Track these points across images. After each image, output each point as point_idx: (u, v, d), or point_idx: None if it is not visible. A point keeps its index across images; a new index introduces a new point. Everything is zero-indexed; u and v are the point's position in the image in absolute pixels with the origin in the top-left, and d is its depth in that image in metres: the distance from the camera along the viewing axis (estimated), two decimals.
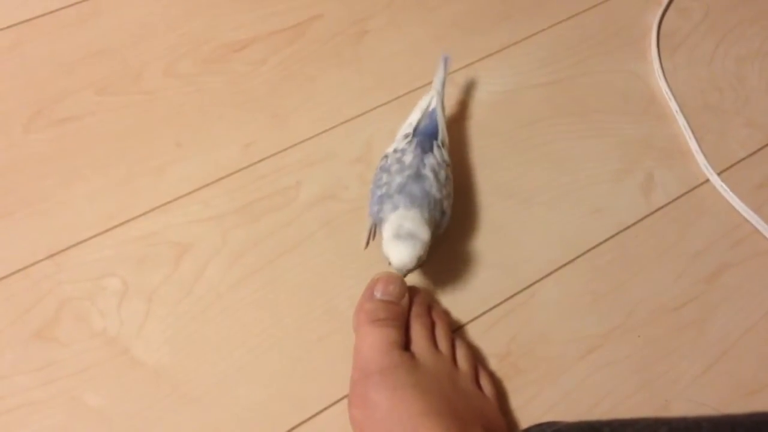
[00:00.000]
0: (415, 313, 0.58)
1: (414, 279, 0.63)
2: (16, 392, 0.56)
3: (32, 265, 0.61)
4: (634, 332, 0.63)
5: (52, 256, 0.62)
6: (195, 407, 0.57)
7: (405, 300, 0.58)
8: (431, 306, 0.61)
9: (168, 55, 0.73)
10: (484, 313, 0.63)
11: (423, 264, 0.58)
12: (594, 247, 0.67)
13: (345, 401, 0.56)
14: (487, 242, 0.66)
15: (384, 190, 0.59)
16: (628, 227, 0.68)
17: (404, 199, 0.57)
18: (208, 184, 0.66)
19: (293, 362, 0.60)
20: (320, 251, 0.65)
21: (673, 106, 0.76)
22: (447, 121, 0.67)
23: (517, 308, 0.63)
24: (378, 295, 0.57)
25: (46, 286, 0.60)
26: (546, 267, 0.66)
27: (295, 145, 0.69)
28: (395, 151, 0.62)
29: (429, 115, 0.64)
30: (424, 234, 0.56)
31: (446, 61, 0.68)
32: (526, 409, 0.59)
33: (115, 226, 0.63)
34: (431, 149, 0.61)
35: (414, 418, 0.51)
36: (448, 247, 0.66)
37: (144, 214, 0.64)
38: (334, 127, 0.71)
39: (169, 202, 0.65)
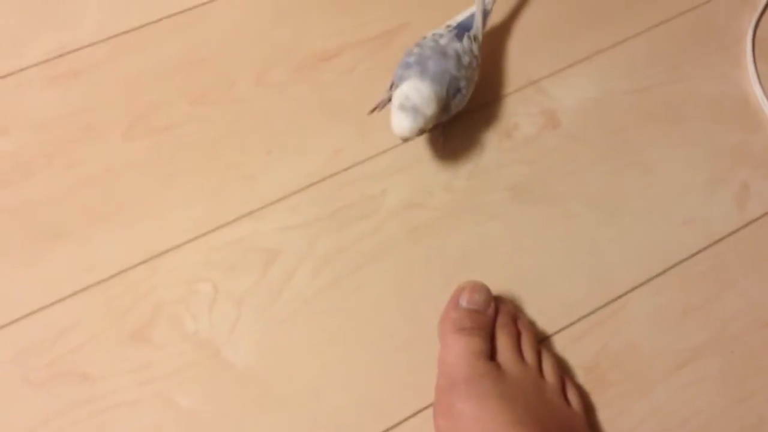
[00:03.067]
0: (500, 322, 0.58)
1: (500, 288, 0.63)
2: (112, 392, 0.58)
3: (129, 269, 0.63)
4: (728, 347, 0.61)
5: (148, 260, 0.64)
6: (282, 410, 0.58)
7: (491, 309, 0.58)
8: (517, 316, 0.61)
9: (259, 64, 0.74)
10: (571, 324, 0.62)
11: (424, 133, 0.63)
12: (686, 259, 0.65)
13: (429, 410, 0.57)
14: (574, 252, 0.66)
15: (412, 59, 0.64)
16: (722, 239, 0.67)
17: (421, 70, 0.63)
18: (296, 192, 0.68)
19: (378, 369, 0.60)
20: (405, 258, 0.65)
21: None
22: (539, 129, 0.70)
23: (605, 320, 0.62)
24: (464, 303, 0.57)
25: (142, 289, 0.63)
26: (636, 278, 0.64)
27: (382, 153, 0.70)
28: (434, 34, 0.68)
29: (471, 17, 0.70)
30: (428, 109, 0.61)
31: None
32: (614, 424, 0.58)
33: (208, 232, 0.65)
34: (462, 39, 0.67)
35: (500, 429, 0.51)
36: (535, 255, 0.65)
37: (235, 220, 0.66)
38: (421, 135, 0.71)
39: (259, 209, 0.66)
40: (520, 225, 0.67)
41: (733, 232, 0.67)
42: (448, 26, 0.69)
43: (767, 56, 0.78)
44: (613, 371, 0.60)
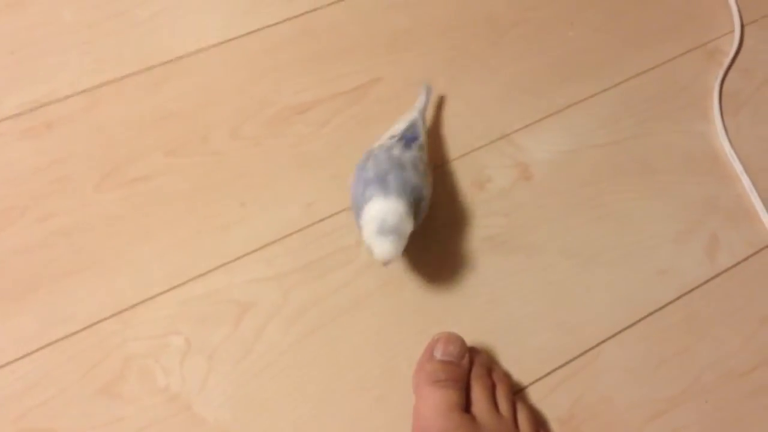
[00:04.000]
0: (475, 374, 0.58)
1: (474, 340, 0.62)
2: None
3: (99, 322, 0.62)
4: (702, 397, 0.61)
5: (118, 313, 0.63)
6: None
7: (465, 361, 0.58)
8: (492, 367, 0.60)
9: (234, 118, 0.75)
10: (546, 375, 0.62)
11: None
12: (659, 309, 0.66)
13: None
14: (548, 302, 0.66)
15: (370, 174, 0.62)
16: (694, 289, 0.67)
17: (384, 186, 0.60)
18: (270, 243, 0.67)
19: (353, 422, 0.60)
20: (380, 310, 0.65)
21: (737, 166, 0.75)
22: (512, 182, 0.70)
23: (580, 371, 0.62)
24: (438, 355, 0.57)
25: (112, 343, 0.62)
26: (610, 329, 0.65)
27: None
28: (380, 146, 0.65)
29: (412, 127, 0.68)
30: (407, 227, 0.59)
31: (428, 90, 0.74)
32: None
33: (180, 284, 0.65)
34: (411, 148, 0.65)
35: None
36: (508, 307, 0.65)
37: (208, 272, 0.65)
38: None
39: (232, 261, 0.66)
40: (495, 276, 0.67)
41: (705, 283, 0.67)
42: (393, 137, 0.66)
43: (734, 111, 0.79)
44: (588, 423, 0.60)
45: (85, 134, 0.73)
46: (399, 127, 0.68)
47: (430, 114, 0.76)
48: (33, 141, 0.72)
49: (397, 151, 0.63)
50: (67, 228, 0.67)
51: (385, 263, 0.59)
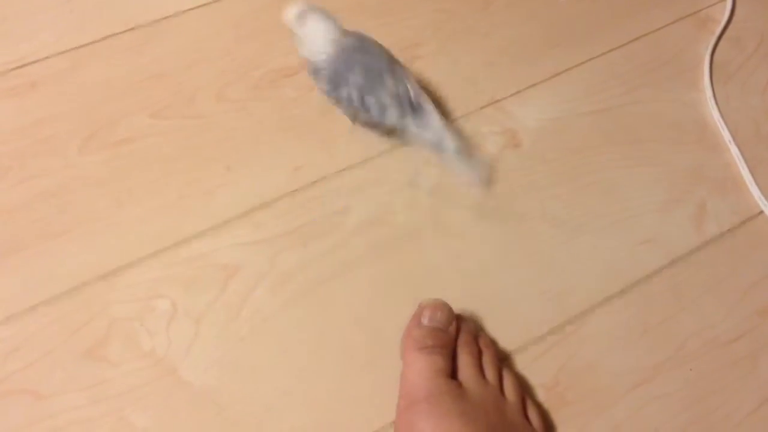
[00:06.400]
0: (462, 341, 0.58)
1: (461, 307, 0.62)
2: (65, 410, 0.57)
3: (84, 285, 0.62)
4: (686, 365, 0.62)
5: (103, 276, 0.62)
6: (240, 430, 0.57)
7: (452, 327, 0.58)
8: (478, 334, 0.61)
9: (220, 80, 0.74)
10: (531, 342, 0.62)
11: None
12: (644, 278, 0.66)
13: (391, 428, 0.56)
14: (534, 271, 0.66)
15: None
16: (680, 258, 0.67)
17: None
18: (256, 208, 0.67)
19: (339, 388, 0.60)
20: (368, 276, 0.65)
21: (726, 135, 0.75)
22: (500, 149, 0.71)
23: (565, 339, 0.63)
24: (425, 321, 0.57)
25: (97, 306, 0.61)
26: (595, 297, 0.65)
27: (344, 170, 0.70)
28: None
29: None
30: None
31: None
32: None
33: (166, 248, 0.64)
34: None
35: None
36: (495, 274, 0.65)
37: (194, 236, 0.65)
38: (383, 152, 0.71)
39: (218, 225, 0.66)
40: (481, 243, 0.67)
41: (691, 252, 0.68)
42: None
43: (724, 80, 0.79)
44: (572, 390, 0.60)
45: (69, 95, 0.71)
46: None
47: (417, 80, 0.75)
48: (16, 101, 0.70)
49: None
50: (51, 189, 0.66)
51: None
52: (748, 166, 0.72)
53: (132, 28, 0.76)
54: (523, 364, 0.62)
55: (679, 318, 0.64)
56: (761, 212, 0.70)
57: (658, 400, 0.60)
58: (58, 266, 0.63)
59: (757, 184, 0.71)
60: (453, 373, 0.56)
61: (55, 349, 0.59)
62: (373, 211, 0.68)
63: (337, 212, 0.67)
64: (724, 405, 0.60)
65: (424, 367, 0.54)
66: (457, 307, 0.60)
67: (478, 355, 0.58)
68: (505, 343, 0.62)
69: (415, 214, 0.68)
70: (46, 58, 0.73)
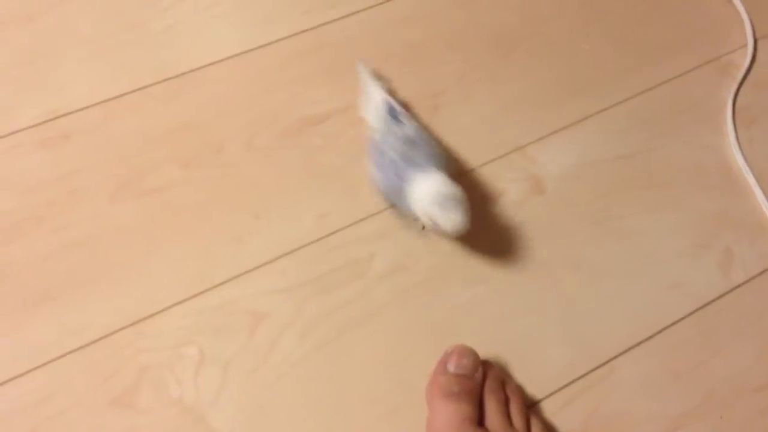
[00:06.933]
0: (489, 388, 0.58)
1: (487, 353, 0.62)
2: None
3: (113, 333, 0.63)
4: (716, 413, 0.61)
5: (133, 324, 0.63)
6: None
7: (479, 374, 0.58)
8: (505, 381, 0.60)
9: (248, 129, 0.75)
10: (559, 389, 0.62)
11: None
12: (672, 324, 0.66)
13: None
14: (560, 317, 0.66)
15: (395, 158, 0.62)
16: (708, 304, 0.67)
17: (415, 164, 0.61)
18: (283, 255, 0.68)
19: None
20: (392, 323, 0.65)
21: (751, 179, 0.75)
22: (525, 195, 0.72)
23: (594, 385, 0.62)
24: (451, 368, 0.57)
25: (127, 354, 0.62)
26: (623, 343, 0.64)
27: (369, 217, 0.70)
28: (382, 133, 0.66)
29: (384, 104, 0.69)
30: (460, 191, 0.59)
31: (363, 63, 0.75)
32: None
33: (194, 295, 0.65)
34: (402, 122, 0.66)
35: None
36: (521, 320, 0.65)
37: (222, 283, 0.66)
38: None
39: (246, 272, 0.66)
40: (507, 289, 0.67)
41: (719, 297, 0.67)
42: (382, 120, 0.68)
43: (747, 124, 0.79)
44: None
45: (101, 145, 0.73)
46: (374, 107, 0.70)
47: (441, 127, 0.76)
48: (50, 152, 0.72)
49: (398, 131, 0.65)
50: (82, 239, 0.67)
51: (457, 232, 0.59)
52: None
53: (163, 80, 0.77)
54: (551, 411, 0.61)
55: (708, 364, 0.64)
56: None
57: None
58: (88, 315, 0.64)
59: None
60: (480, 421, 0.55)
61: (85, 396, 0.60)
62: (397, 258, 0.68)
63: (362, 259, 0.68)
64: None
65: (450, 415, 0.54)
66: (483, 353, 0.60)
67: (506, 402, 0.58)
68: (533, 389, 0.62)
69: (439, 260, 0.68)
70: (80, 110, 0.75)
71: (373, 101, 0.70)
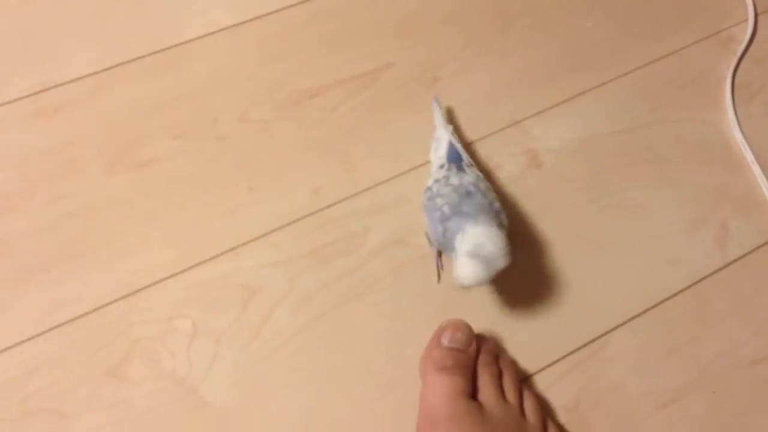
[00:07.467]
0: (482, 361, 0.58)
1: (481, 327, 0.62)
2: (87, 429, 0.57)
3: (107, 304, 0.63)
4: (710, 387, 0.61)
5: (126, 296, 0.63)
6: None
7: (472, 348, 0.58)
8: (499, 354, 0.60)
9: (242, 101, 0.74)
10: (553, 363, 0.62)
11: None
12: (668, 299, 0.65)
13: None
14: (556, 291, 0.66)
15: (446, 210, 0.59)
16: (703, 278, 0.67)
17: (465, 215, 0.58)
18: (277, 228, 0.67)
19: (359, 408, 0.60)
20: (388, 297, 0.65)
21: (749, 155, 0.74)
22: (522, 169, 0.71)
23: (587, 359, 0.62)
24: (445, 342, 0.57)
25: (119, 325, 0.62)
26: (618, 318, 0.64)
27: (364, 190, 0.70)
28: (437, 180, 0.63)
29: (451, 147, 0.66)
30: (501, 261, 0.55)
31: (437, 102, 0.72)
32: None
33: (187, 269, 0.65)
34: (464, 170, 0.63)
35: None
36: (517, 294, 0.65)
37: (215, 257, 0.65)
38: (403, 173, 0.71)
39: (239, 246, 0.66)
40: None
41: (715, 272, 0.67)
42: (441, 166, 0.65)
43: (746, 100, 0.79)
44: (594, 411, 0.60)
45: (94, 117, 0.72)
46: (439, 153, 0.67)
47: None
48: (42, 123, 0.71)
49: (455, 180, 0.62)
50: (76, 210, 0.67)
51: (464, 287, 0.56)
52: None
53: (156, 51, 0.77)
54: (544, 384, 0.61)
55: (703, 339, 0.64)
56: None
57: (682, 422, 0.60)
58: (81, 286, 0.63)
59: None
60: (473, 394, 0.55)
61: (78, 368, 0.60)
62: (393, 232, 0.68)
63: (358, 233, 0.68)
64: (749, 428, 0.59)
65: (443, 388, 0.54)
66: (477, 327, 0.60)
67: (499, 376, 0.58)
68: (526, 363, 0.62)
69: None
70: (72, 81, 0.74)
71: (440, 144, 0.68)
